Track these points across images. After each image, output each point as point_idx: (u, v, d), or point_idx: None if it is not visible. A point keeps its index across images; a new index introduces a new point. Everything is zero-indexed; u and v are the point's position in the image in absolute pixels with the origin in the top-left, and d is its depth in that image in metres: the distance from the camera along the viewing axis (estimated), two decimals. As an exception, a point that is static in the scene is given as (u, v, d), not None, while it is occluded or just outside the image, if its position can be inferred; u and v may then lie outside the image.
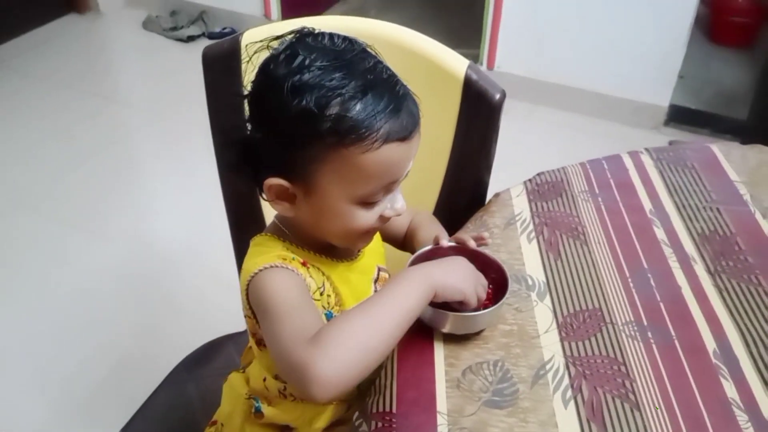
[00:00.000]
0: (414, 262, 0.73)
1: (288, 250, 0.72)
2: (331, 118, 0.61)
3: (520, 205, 0.90)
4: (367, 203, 0.67)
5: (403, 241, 0.90)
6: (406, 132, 0.65)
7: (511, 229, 0.86)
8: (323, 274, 0.73)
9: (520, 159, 1.62)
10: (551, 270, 0.80)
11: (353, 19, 0.99)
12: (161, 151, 2.34)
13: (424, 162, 0.97)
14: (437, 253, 0.75)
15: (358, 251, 0.79)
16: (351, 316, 0.61)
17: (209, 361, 1.03)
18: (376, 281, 0.80)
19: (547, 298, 0.76)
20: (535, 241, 0.84)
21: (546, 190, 0.93)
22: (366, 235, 0.72)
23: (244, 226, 1.01)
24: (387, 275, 0.83)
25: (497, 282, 0.72)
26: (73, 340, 1.63)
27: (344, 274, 0.76)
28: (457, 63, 0.91)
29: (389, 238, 0.89)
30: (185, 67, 2.74)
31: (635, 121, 2.50)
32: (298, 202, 0.69)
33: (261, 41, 0.68)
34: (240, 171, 0.70)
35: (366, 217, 0.68)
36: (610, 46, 2.44)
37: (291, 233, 0.73)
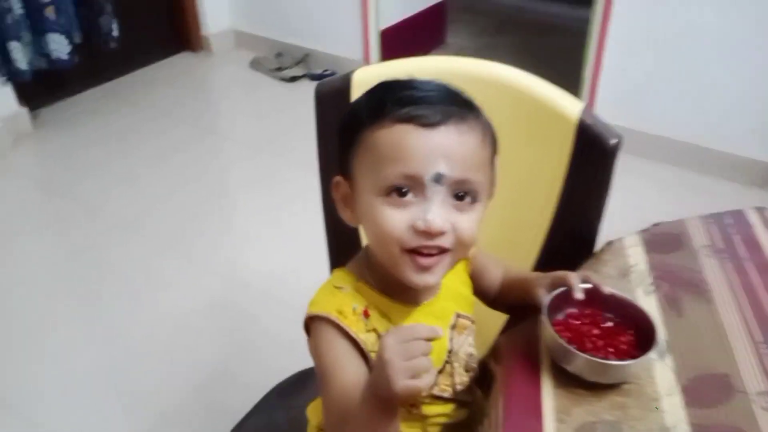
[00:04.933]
0: (551, 307, 0.70)
1: (358, 292, 0.72)
2: (363, 108, 0.68)
3: (636, 255, 0.85)
4: (392, 197, 0.64)
5: (496, 297, 0.86)
6: (427, 119, 0.63)
7: (626, 280, 0.81)
8: (389, 319, 0.71)
9: (616, 210, 1.55)
10: (672, 327, 0.74)
11: (461, 60, 0.99)
12: (260, 185, 2.40)
13: (530, 205, 0.95)
14: (571, 295, 0.71)
15: (434, 295, 0.75)
16: None
17: (300, 390, 1.02)
18: (453, 328, 0.76)
19: (669, 358, 0.70)
20: (653, 296, 0.79)
21: (664, 241, 0.88)
22: (406, 254, 0.65)
23: (344, 261, 1.00)
24: (469, 323, 0.79)
25: (642, 331, 0.68)
26: (165, 362, 1.67)
27: (416, 319, 0.73)
28: (570, 105, 0.88)
29: (478, 291, 0.85)
30: (287, 106, 2.86)
31: (738, 177, 2.36)
32: (354, 206, 0.70)
33: None
34: None
35: (393, 218, 0.64)
36: (714, 98, 2.33)
37: (369, 267, 0.73)
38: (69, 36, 2.57)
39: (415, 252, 0.65)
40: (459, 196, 0.65)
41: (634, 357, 0.65)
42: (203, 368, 1.65)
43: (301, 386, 1.02)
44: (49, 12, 2.48)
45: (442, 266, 0.67)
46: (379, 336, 0.70)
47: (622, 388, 0.66)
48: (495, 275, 0.86)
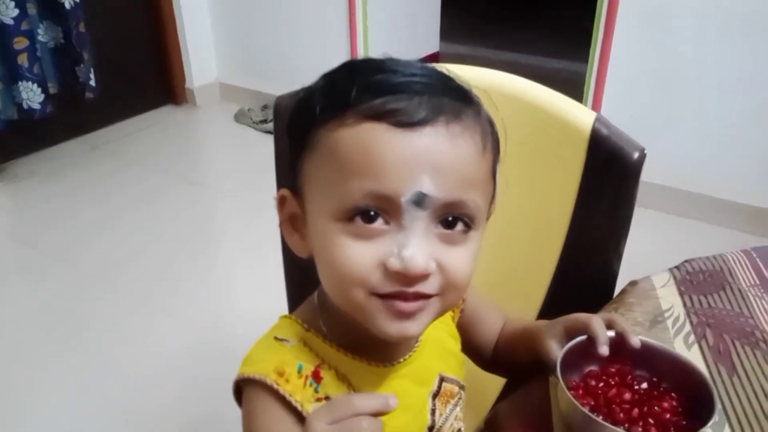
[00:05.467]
0: (564, 365, 0.52)
1: (307, 345, 0.54)
2: (318, 92, 0.51)
3: (669, 298, 0.67)
4: (355, 224, 0.46)
5: (494, 357, 0.67)
6: (408, 116, 0.45)
7: (659, 329, 0.63)
8: (350, 384, 0.53)
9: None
10: (726, 389, 0.56)
11: (455, 66, 0.84)
12: (243, 236, 2.27)
13: (533, 236, 0.78)
14: (590, 348, 0.54)
15: (411, 351, 0.57)
16: None
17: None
18: (435, 396, 0.58)
19: (728, 431, 0.52)
20: (696, 348, 0.61)
21: (701, 280, 0.70)
22: (376, 297, 0.47)
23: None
24: (456, 389, 0.60)
25: (689, 393, 0.50)
26: (146, 414, 1.51)
27: (387, 383, 0.55)
28: (581, 114, 0.73)
29: (470, 348, 0.66)
30: (270, 158, 2.72)
31: (745, 225, 2.21)
32: (305, 230, 0.52)
33: None
34: None
35: (356, 253, 0.46)
36: (727, 146, 2.20)
37: (323, 312, 0.55)
38: (43, 85, 2.45)
39: (389, 297, 0.47)
40: (448, 223, 0.47)
41: (685, 431, 0.47)
42: (185, 420, 1.49)
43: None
44: (22, 60, 2.38)
45: (427, 313, 0.49)
46: None
47: (672, 476, 0.47)
48: (492, 327, 0.68)
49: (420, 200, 0.45)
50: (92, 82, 2.60)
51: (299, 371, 0.51)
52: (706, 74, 2.15)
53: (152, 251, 2.15)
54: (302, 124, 0.51)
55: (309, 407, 0.50)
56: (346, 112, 0.47)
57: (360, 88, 0.47)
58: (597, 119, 0.71)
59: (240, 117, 3.07)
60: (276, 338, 0.54)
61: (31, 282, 2.06)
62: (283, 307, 0.95)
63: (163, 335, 1.77)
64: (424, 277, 0.46)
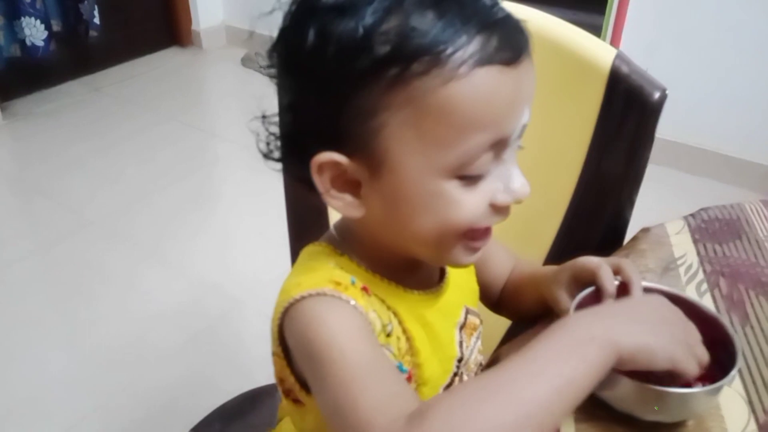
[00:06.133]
0: (576, 312, 0.50)
1: (343, 269, 0.50)
2: (390, 35, 0.41)
3: (683, 245, 0.65)
4: (469, 176, 0.43)
5: (500, 298, 0.66)
6: (512, 51, 0.42)
7: (671, 276, 0.61)
8: (389, 308, 0.50)
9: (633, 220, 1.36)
10: (738, 338, 0.54)
11: None
12: (244, 185, 2.23)
13: (545, 178, 0.74)
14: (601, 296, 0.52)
15: (440, 281, 0.55)
16: (479, 387, 0.38)
17: (246, 414, 0.82)
18: (462, 328, 0.56)
19: (738, 383, 0.50)
20: (709, 296, 0.58)
21: (717, 228, 0.68)
22: (473, 237, 0.47)
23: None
24: (477, 321, 0.59)
25: (711, 343, 0.48)
26: (120, 367, 1.50)
27: (419, 311, 0.52)
28: (600, 51, 0.69)
29: (479, 286, 0.64)
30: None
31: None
32: (365, 192, 0.46)
33: None
34: (287, 163, 0.53)
35: (471, 203, 0.44)
36: (744, 104, 2.14)
37: (351, 245, 0.52)
38: (46, 22, 2.40)
39: (472, 234, 0.47)
40: None
41: (703, 381, 0.45)
42: (170, 373, 1.48)
43: (246, 410, 0.82)
44: (25, -6, 2.32)
45: None
46: (384, 323, 0.48)
47: (677, 426, 0.46)
48: (502, 266, 0.66)
49: (521, 132, 0.45)
50: (96, 20, 2.54)
51: (353, 283, 0.47)
52: (725, 29, 2.08)
53: (154, 197, 2.12)
54: (367, 82, 0.42)
55: (370, 314, 0.46)
56: (449, 61, 0.41)
57: (472, 33, 0.41)
58: (617, 56, 0.67)
59: (247, 61, 3.01)
60: (312, 261, 0.51)
61: (30, 226, 2.04)
62: (285, 254, 0.94)
63: (164, 282, 1.76)
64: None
